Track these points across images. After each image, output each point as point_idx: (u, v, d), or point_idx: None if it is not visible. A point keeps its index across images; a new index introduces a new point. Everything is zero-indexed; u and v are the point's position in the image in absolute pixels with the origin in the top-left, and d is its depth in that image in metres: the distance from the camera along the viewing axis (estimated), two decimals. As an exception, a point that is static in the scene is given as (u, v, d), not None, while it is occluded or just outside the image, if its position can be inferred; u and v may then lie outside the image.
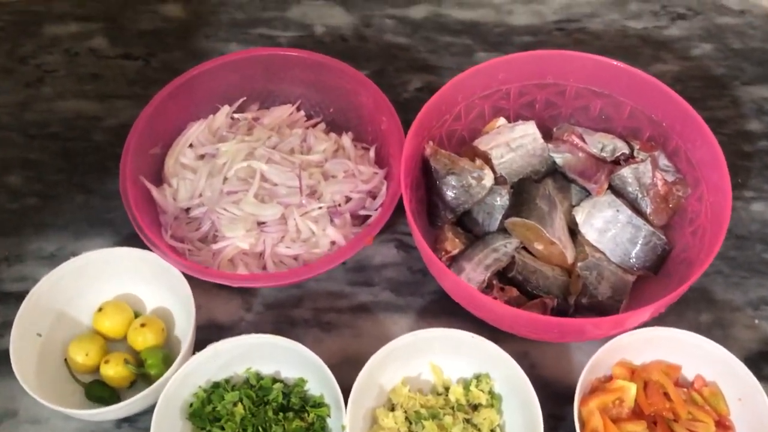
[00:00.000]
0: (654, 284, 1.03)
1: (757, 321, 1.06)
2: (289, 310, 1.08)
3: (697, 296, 1.07)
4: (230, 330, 1.06)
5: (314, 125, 1.17)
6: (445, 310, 1.05)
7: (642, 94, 1.06)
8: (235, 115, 1.15)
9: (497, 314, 0.94)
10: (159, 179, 1.10)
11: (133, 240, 1.01)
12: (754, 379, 0.92)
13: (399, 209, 0.99)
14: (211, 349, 0.94)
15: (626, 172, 1.04)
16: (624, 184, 1.04)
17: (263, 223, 1.03)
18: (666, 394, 0.95)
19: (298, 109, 1.17)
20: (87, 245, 1.12)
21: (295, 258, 1.03)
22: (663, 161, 1.06)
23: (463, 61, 1.30)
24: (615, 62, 1.06)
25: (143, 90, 1.27)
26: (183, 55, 1.31)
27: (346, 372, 0.93)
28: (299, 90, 1.16)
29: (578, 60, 1.07)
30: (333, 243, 1.04)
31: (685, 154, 1.05)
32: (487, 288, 1.00)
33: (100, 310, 1.03)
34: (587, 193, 1.07)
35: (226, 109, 1.15)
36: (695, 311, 1.07)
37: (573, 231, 1.06)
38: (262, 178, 1.05)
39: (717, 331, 1.05)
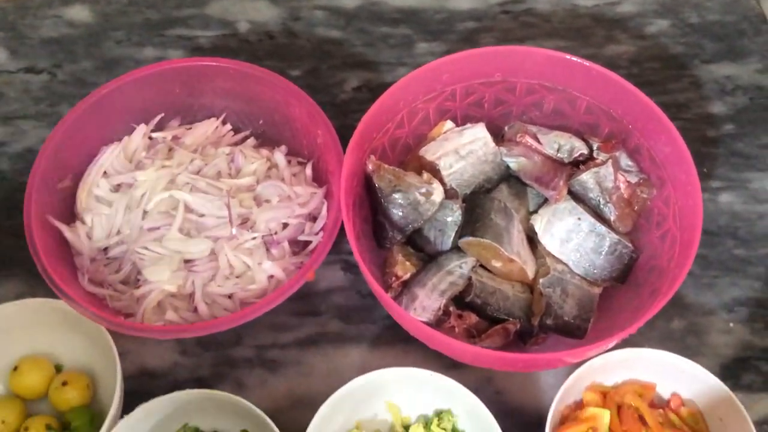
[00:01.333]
0: (622, 294, 0.96)
1: (731, 324, 1.00)
2: (228, 349, 0.98)
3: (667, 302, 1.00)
4: (164, 377, 0.96)
5: (242, 140, 1.05)
6: (400, 337, 0.96)
7: (599, 88, 0.97)
8: (154, 135, 1.03)
9: (456, 351, 0.86)
10: (72, 215, 0.98)
11: (51, 282, 0.89)
12: (736, 399, 0.85)
13: (342, 228, 0.89)
14: (140, 410, 0.84)
15: (586, 176, 0.95)
16: (585, 190, 0.96)
17: (191, 261, 0.92)
18: (641, 418, 0.89)
19: (224, 123, 1.06)
20: (-2, 291, 1.01)
21: (230, 296, 0.92)
22: (625, 161, 0.98)
23: (402, 53, 1.19)
24: (568, 56, 0.96)
25: (51, 108, 1.14)
26: (92, 66, 1.18)
27: (296, 416, 0.85)
28: (224, 102, 1.04)
29: (528, 55, 0.98)
30: (271, 276, 0.93)
31: (648, 152, 0.97)
32: (443, 315, 0.92)
33: (15, 369, 0.92)
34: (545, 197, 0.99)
35: (142, 129, 1.02)
36: (666, 318, 1.00)
37: (531, 239, 0.98)
38: (186, 210, 0.93)
39: (691, 338, 0.99)
